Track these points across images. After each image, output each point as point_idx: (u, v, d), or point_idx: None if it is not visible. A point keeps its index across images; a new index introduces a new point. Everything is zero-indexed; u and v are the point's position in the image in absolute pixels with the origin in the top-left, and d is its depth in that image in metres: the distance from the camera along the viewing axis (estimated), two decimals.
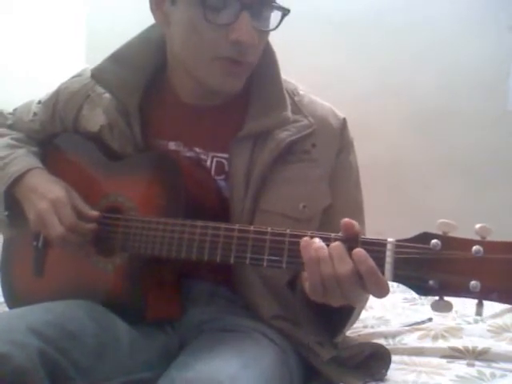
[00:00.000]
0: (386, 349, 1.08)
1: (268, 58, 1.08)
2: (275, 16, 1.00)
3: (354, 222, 0.82)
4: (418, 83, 2.36)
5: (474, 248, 0.73)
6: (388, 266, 0.78)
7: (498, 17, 2.28)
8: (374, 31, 2.39)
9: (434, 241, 0.76)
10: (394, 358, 1.09)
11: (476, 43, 2.30)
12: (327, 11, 2.40)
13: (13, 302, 1.18)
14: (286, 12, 0.99)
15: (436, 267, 0.75)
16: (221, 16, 0.96)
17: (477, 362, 1.18)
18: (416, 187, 2.39)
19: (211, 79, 1.02)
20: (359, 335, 1.32)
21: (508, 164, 2.27)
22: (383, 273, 0.78)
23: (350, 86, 2.36)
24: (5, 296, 1.21)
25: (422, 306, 1.55)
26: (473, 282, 0.73)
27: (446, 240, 0.75)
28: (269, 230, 0.87)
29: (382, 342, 1.26)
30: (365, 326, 1.39)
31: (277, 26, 1.00)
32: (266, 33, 1.02)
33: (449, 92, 2.34)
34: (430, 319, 1.41)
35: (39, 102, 1.25)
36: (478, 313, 0.75)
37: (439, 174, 2.36)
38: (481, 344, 1.24)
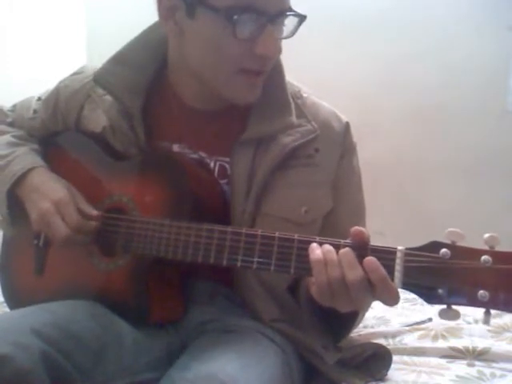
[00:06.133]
0: (387, 349, 1.09)
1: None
2: (290, 21, 0.98)
3: (364, 230, 0.82)
4: (418, 83, 2.35)
5: (483, 258, 0.74)
6: (397, 274, 0.79)
7: (498, 17, 2.28)
8: (374, 31, 2.39)
9: (443, 250, 0.77)
10: (394, 358, 1.09)
11: (476, 43, 2.30)
12: (329, 10, 2.40)
13: (13, 301, 1.18)
14: (303, 18, 0.98)
15: (445, 276, 0.76)
16: (246, 30, 0.93)
17: (477, 362, 1.18)
18: (416, 187, 2.39)
19: (234, 92, 1.01)
20: (359, 335, 1.32)
21: (508, 164, 2.27)
22: (392, 280, 0.79)
23: (351, 86, 2.36)
24: (5, 295, 1.21)
25: (422, 306, 1.55)
26: (481, 292, 0.75)
27: (456, 249, 0.77)
28: (276, 234, 0.87)
29: (382, 341, 1.26)
30: (365, 326, 1.39)
31: (294, 33, 0.99)
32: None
33: (449, 92, 2.33)
34: (430, 319, 1.41)
35: (39, 99, 1.24)
36: (486, 322, 0.76)
37: (439, 174, 2.36)
38: (481, 344, 1.24)
